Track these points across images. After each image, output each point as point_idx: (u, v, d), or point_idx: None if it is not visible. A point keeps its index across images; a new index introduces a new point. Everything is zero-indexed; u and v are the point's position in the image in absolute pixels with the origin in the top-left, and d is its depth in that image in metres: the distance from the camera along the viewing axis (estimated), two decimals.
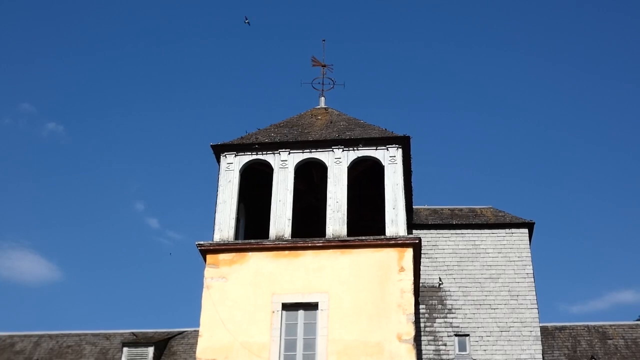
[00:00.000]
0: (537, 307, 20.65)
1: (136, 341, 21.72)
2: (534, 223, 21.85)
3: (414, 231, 21.40)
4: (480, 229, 21.94)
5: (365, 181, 20.47)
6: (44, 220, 53.59)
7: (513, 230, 21.82)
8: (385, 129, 19.83)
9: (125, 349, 21.36)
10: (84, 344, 22.73)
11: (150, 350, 21.31)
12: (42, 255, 55.80)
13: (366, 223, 20.30)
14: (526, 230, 21.75)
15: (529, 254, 21.44)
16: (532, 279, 21.05)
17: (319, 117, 21.14)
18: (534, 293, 20.85)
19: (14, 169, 53.85)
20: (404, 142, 19.37)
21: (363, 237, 18.26)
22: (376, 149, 19.37)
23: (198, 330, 17.76)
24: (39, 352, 22.37)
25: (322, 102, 22.13)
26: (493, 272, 21.23)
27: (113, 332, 23.14)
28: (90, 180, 54.86)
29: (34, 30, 57.35)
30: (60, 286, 52.12)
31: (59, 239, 53.32)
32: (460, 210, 22.94)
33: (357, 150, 19.41)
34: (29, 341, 22.97)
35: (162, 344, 21.95)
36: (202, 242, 18.39)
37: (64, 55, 57.40)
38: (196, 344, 17.81)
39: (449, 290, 21.11)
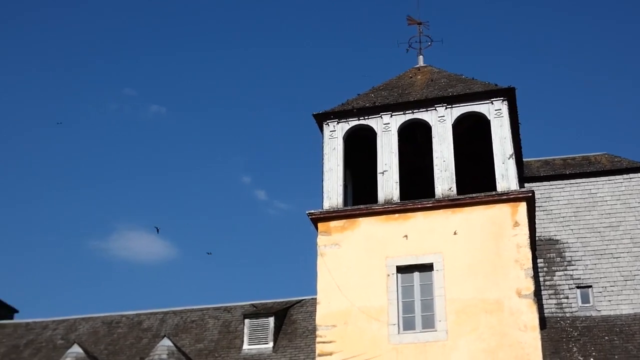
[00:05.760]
0: None
1: (257, 312, 22.15)
2: None
3: (526, 184, 20.89)
4: (595, 176, 21.18)
5: (471, 137, 20.07)
6: (157, 201, 55.42)
7: (631, 175, 20.94)
8: (489, 83, 19.35)
9: (246, 321, 21.82)
10: (207, 318, 23.38)
11: (271, 320, 21.71)
12: (158, 234, 57.74)
13: (475, 180, 19.94)
14: None
15: None
16: None
17: (419, 77, 20.82)
18: None
19: (126, 153, 55.86)
20: (509, 94, 18.85)
21: (474, 195, 17.97)
22: (480, 104, 18.94)
23: (316, 298, 18.01)
24: (165, 328, 23.17)
25: (421, 61, 21.76)
26: (613, 220, 20.47)
27: (234, 304, 23.66)
28: (196, 158, 56.29)
29: (130, 20, 58.99)
30: (178, 264, 53.93)
31: (172, 218, 55.05)
32: (573, 159, 22.19)
33: (461, 106, 19.04)
34: (155, 318, 23.82)
35: (281, 313, 22.32)
36: (312, 211, 18.54)
37: (162, 40, 58.83)
38: (315, 311, 18.05)
39: (567, 242, 20.53)
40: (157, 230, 27.63)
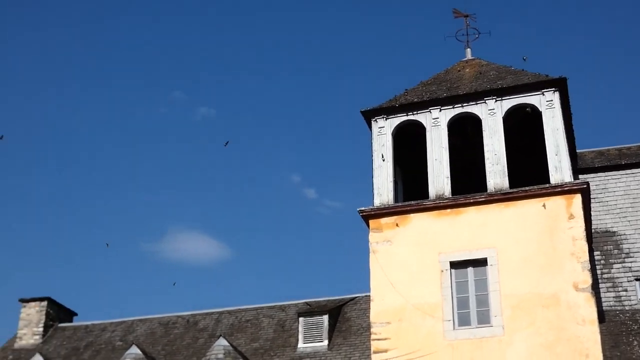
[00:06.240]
0: None
1: (311, 310, 22.20)
2: None
3: (581, 176, 20.52)
4: None
5: (522, 130, 19.80)
6: (207, 202, 56.01)
7: None
8: (539, 73, 19.05)
9: (301, 319, 21.89)
10: (262, 317, 23.51)
11: (325, 318, 21.73)
12: (210, 235, 58.35)
13: (528, 173, 19.67)
14: None
15: None
16: None
17: (467, 70, 20.61)
18: None
19: (175, 156, 56.49)
20: (560, 85, 18.54)
21: (527, 188, 17.73)
22: (531, 95, 18.67)
23: (369, 295, 17.97)
24: (220, 328, 23.38)
25: (469, 54, 21.53)
26: None
27: (288, 303, 23.76)
28: (245, 158, 56.72)
29: (178, 24, 59.68)
30: (232, 264, 54.42)
31: (224, 219, 55.56)
32: (629, 149, 21.71)
33: (511, 98, 18.79)
34: (211, 318, 24.05)
35: (335, 311, 22.33)
36: (363, 208, 18.50)
37: (209, 43, 59.42)
38: (369, 308, 18.01)
39: (625, 234, 20.10)
40: (107, 245, 27.97)
